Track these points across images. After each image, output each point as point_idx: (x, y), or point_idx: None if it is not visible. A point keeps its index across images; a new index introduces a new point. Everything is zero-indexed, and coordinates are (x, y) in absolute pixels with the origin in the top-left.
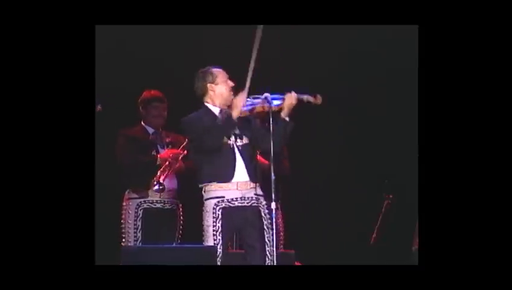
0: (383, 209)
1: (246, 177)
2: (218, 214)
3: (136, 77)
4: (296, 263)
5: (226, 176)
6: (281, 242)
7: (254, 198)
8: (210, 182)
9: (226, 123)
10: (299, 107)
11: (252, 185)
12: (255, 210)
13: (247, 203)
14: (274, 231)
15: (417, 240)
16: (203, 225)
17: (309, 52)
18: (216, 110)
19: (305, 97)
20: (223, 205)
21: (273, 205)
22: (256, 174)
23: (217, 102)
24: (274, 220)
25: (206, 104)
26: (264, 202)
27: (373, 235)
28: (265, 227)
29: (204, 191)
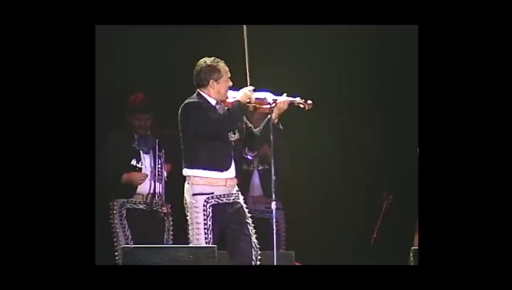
0: (383, 209)
1: (234, 173)
2: (209, 212)
3: (135, 77)
4: (296, 263)
5: (224, 164)
6: (283, 243)
7: (237, 194)
8: (205, 169)
9: (238, 115)
10: (300, 109)
11: (236, 181)
12: (238, 205)
13: (232, 199)
14: (275, 231)
15: (417, 240)
16: (189, 220)
17: (309, 52)
18: (212, 101)
19: (297, 100)
20: (213, 201)
21: (273, 205)
22: (241, 171)
23: (213, 95)
24: (274, 220)
25: (202, 93)
26: (241, 197)
27: (373, 235)
28: (248, 220)
29: (192, 184)
